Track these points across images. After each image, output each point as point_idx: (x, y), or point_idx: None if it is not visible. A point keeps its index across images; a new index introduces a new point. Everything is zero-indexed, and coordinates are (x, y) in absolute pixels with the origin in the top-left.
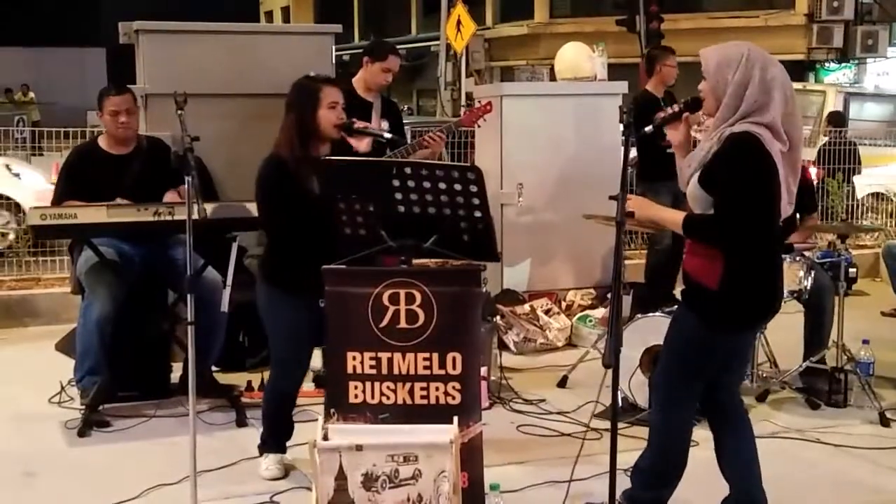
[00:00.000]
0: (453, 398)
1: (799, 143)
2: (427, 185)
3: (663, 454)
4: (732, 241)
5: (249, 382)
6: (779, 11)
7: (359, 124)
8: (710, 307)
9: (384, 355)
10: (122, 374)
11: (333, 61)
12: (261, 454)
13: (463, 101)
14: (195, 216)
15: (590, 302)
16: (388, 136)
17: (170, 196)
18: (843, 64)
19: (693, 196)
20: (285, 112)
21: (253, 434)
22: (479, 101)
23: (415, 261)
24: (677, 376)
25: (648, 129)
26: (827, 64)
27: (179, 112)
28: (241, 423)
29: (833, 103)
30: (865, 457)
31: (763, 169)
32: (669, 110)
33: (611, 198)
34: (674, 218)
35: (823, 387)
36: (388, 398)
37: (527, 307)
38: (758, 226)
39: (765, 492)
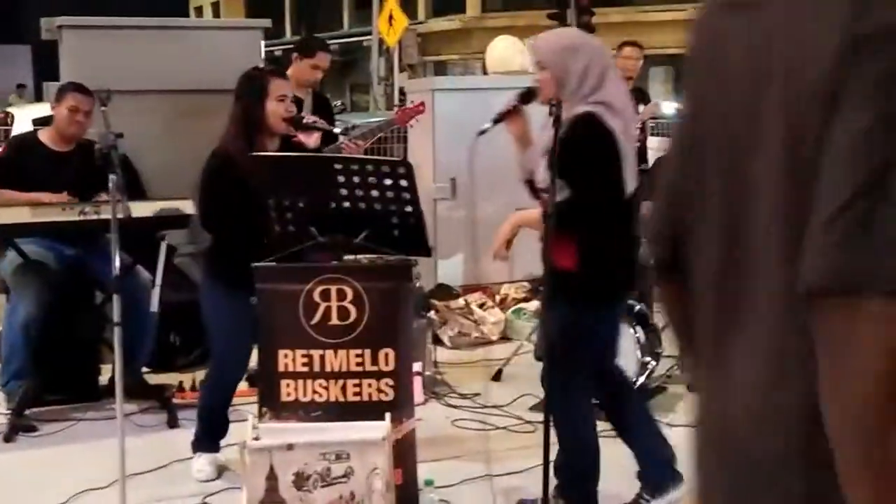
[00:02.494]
0: (386, 395)
1: (631, 120)
2: (357, 180)
3: (574, 450)
4: (592, 220)
5: (181, 383)
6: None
7: (308, 118)
8: (575, 289)
9: (316, 353)
10: (49, 378)
11: (263, 57)
12: (194, 452)
13: (396, 96)
14: (120, 215)
15: (524, 295)
16: (336, 130)
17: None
18: None
19: (543, 183)
20: (233, 104)
21: (185, 435)
22: (412, 100)
23: (346, 256)
24: (568, 369)
25: (486, 126)
26: None
27: (103, 109)
28: (173, 424)
29: None
30: None
31: (608, 146)
32: (506, 106)
33: (541, 191)
34: (532, 215)
35: None
36: (320, 396)
37: (461, 301)
38: (610, 202)
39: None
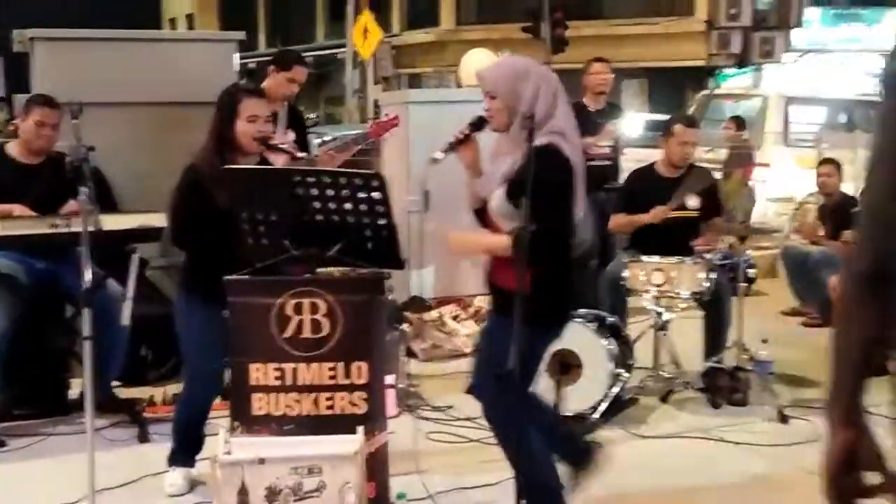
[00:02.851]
0: (359, 408)
1: (578, 146)
2: (330, 192)
3: (533, 467)
4: (552, 248)
5: (152, 397)
6: (679, 18)
7: (274, 140)
8: (530, 312)
9: (288, 366)
10: (18, 392)
11: (237, 69)
12: (170, 466)
13: (370, 109)
14: (91, 228)
15: None
16: (300, 155)
17: (70, 207)
18: (742, 69)
19: (500, 211)
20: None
21: (156, 449)
22: (387, 113)
23: (319, 270)
24: (523, 389)
25: (438, 155)
26: (726, 70)
27: (74, 122)
28: (144, 438)
29: (775, 108)
30: (765, 453)
31: (568, 177)
32: (458, 135)
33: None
34: (499, 241)
35: (724, 386)
36: (292, 409)
37: (434, 314)
38: (569, 230)
39: None
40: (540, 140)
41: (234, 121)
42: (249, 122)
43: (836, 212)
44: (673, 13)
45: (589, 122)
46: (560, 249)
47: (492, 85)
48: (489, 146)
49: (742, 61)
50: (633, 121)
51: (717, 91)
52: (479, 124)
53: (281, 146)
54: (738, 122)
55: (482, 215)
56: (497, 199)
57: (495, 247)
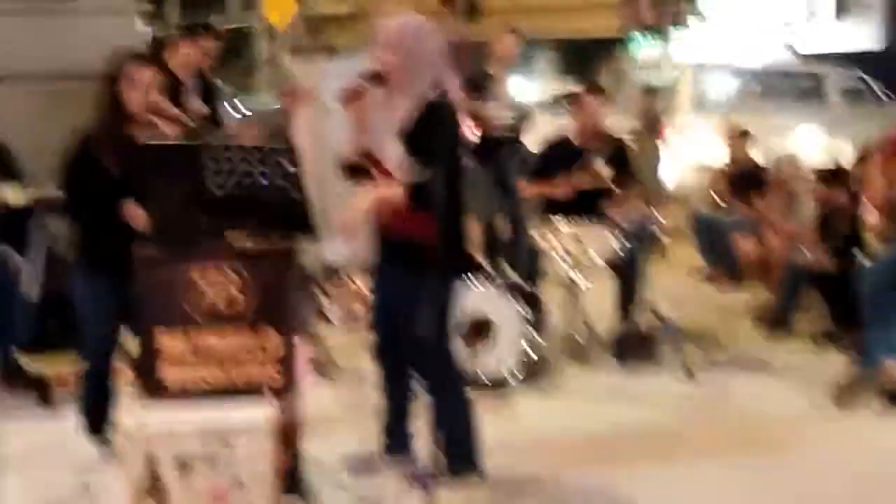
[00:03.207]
0: (272, 377)
1: (462, 111)
2: (242, 165)
3: (462, 410)
4: (449, 198)
5: (60, 369)
6: None
7: (163, 106)
8: (438, 259)
9: (200, 337)
10: None
11: (146, 40)
12: (77, 435)
13: (285, 81)
14: None
15: None
16: (192, 124)
17: None
18: (653, 39)
19: (398, 161)
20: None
21: (64, 419)
22: (300, 86)
23: (230, 240)
24: (446, 335)
25: (336, 104)
26: (637, 39)
27: None
28: (51, 408)
29: (691, 76)
30: (675, 411)
31: (458, 128)
32: (355, 86)
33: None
34: (392, 193)
35: (636, 347)
36: (203, 379)
37: (350, 282)
38: (460, 178)
39: None
40: (431, 93)
41: (119, 88)
42: (136, 89)
43: (744, 178)
44: None
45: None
46: (455, 198)
47: (387, 40)
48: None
49: (653, 31)
50: (547, 90)
51: (633, 60)
52: (375, 79)
53: (174, 115)
54: (649, 91)
55: (355, 171)
56: (394, 150)
57: (389, 196)
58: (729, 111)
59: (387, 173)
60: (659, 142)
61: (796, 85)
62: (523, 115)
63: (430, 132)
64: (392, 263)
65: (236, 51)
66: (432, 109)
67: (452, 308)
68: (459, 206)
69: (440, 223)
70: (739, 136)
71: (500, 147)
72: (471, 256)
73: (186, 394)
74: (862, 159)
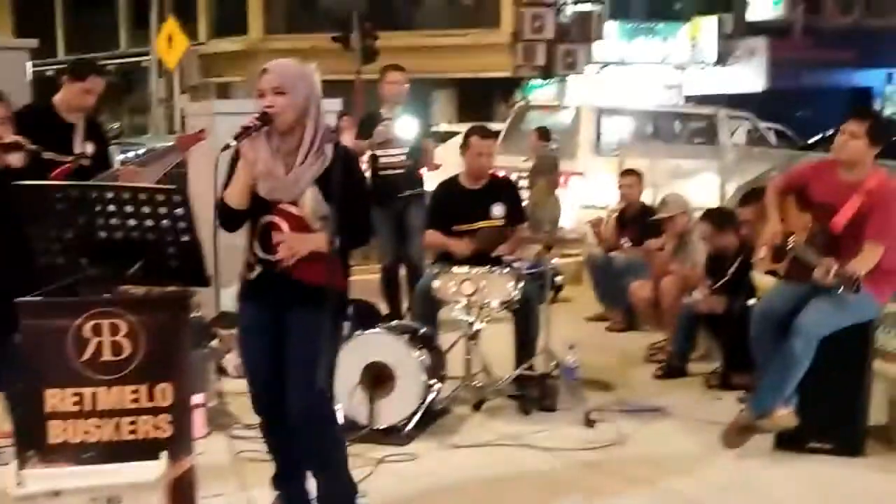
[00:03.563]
0: (164, 431)
1: None
2: (130, 208)
3: (346, 471)
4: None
5: None
6: (486, 30)
7: (7, 139)
8: (340, 306)
9: (87, 391)
10: None
11: (30, 78)
12: None
13: (177, 119)
14: None
15: None
16: (47, 155)
17: None
18: (547, 81)
19: (317, 211)
20: None
21: None
22: (193, 126)
23: (119, 289)
24: (331, 387)
25: (231, 142)
26: (532, 81)
27: None
28: None
29: (588, 119)
30: (573, 458)
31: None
32: (249, 123)
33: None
34: (321, 238)
35: (534, 393)
36: (91, 436)
37: None
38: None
39: None
40: (331, 139)
41: None
42: None
43: (635, 220)
44: (480, 25)
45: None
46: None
47: (285, 80)
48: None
49: (547, 73)
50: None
51: (532, 103)
52: (264, 118)
53: (15, 143)
54: (543, 132)
55: (244, 217)
56: (312, 200)
57: (318, 243)
58: (624, 153)
59: (292, 218)
60: (554, 183)
61: (690, 127)
62: (419, 155)
63: (344, 177)
64: (293, 306)
65: (128, 89)
66: (340, 156)
67: (335, 357)
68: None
69: (344, 270)
70: (630, 178)
71: (390, 188)
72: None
73: (73, 452)
74: (746, 200)
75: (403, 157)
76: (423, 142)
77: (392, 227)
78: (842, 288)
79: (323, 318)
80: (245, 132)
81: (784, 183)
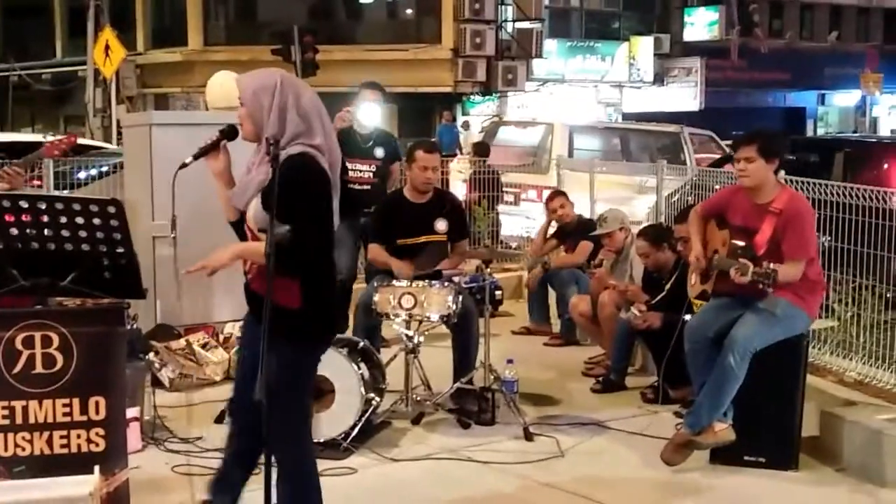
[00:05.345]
0: (97, 445)
1: (337, 164)
2: (63, 219)
3: (302, 489)
4: (311, 258)
5: None
6: (427, 46)
7: None
8: (297, 326)
9: (18, 404)
10: None
11: None
12: None
13: (114, 129)
14: None
15: None
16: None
17: None
18: (487, 97)
19: (257, 221)
20: None
21: None
22: (58, 136)
23: (51, 300)
24: (296, 407)
25: (188, 160)
26: (472, 97)
27: None
28: None
29: (560, 135)
30: (512, 471)
31: (322, 185)
32: (208, 140)
33: (260, 230)
34: (257, 248)
35: (473, 406)
36: (23, 450)
37: (182, 342)
38: (327, 240)
39: None
40: (294, 149)
41: None
42: None
43: (575, 233)
44: (421, 41)
45: (356, 145)
46: (321, 261)
47: (241, 92)
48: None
49: (487, 89)
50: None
51: (505, 118)
52: (230, 133)
53: None
54: (480, 148)
55: (240, 228)
56: (253, 209)
57: (253, 252)
58: (592, 169)
59: (252, 234)
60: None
61: (656, 144)
62: (386, 173)
63: (292, 191)
64: (255, 319)
65: (64, 98)
66: (290, 164)
67: (309, 374)
68: (323, 270)
69: (303, 287)
70: (560, 199)
71: (355, 203)
72: (332, 325)
73: (4, 465)
74: (682, 217)
75: (371, 175)
76: (392, 166)
77: (353, 242)
78: (760, 285)
79: (263, 331)
80: (202, 150)
81: (704, 210)
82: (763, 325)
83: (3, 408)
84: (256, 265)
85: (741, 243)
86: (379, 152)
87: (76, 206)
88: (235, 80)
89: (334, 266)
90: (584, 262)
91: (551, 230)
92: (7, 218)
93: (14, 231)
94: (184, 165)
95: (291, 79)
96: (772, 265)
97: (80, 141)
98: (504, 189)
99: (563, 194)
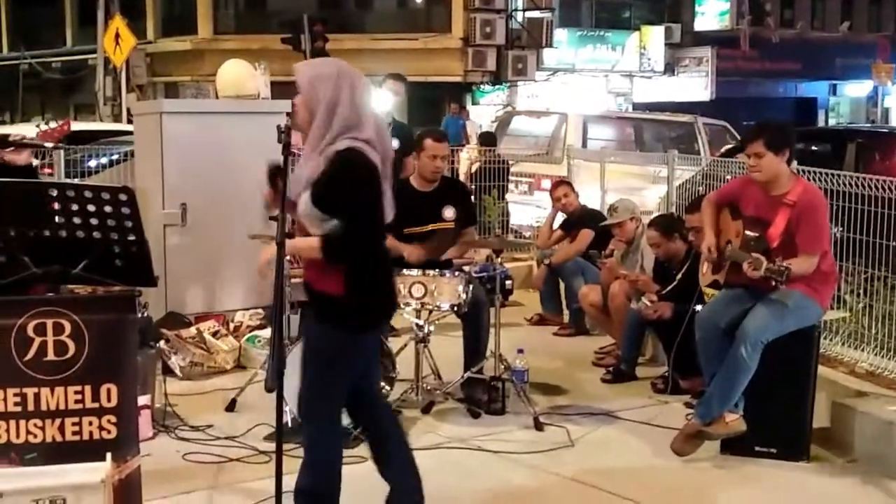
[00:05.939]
0: (108, 432)
1: (389, 155)
2: (75, 207)
3: (318, 472)
4: (360, 250)
5: None
6: (437, 35)
7: (15, 136)
8: (340, 313)
9: (30, 391)
10: None
11: None
12: None
13: (124, 118)
14: None
15: (258, 322)
16: (49, 145)
17: None
18: (497, 86)
19: (307, 215)
20: None
21: None
22: (57, 121)
23: (63, 288)
24: (321, 390)
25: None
26: (482, 86)
27: None
28: None
29: (574, 125)
30: (522, 461)
31: (371, 181)
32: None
33: (271, 218)
34: (309, 244)
35: (483, 396)
36: (35, 437)
37: (193, 330)
38: (375, 232)
39: (422, 491)
40: (342, 144)
41: None
42: None
43: (580, 223)
44: (431, 30)
45: None
46: (367, 253)
47: (298, 80)
48: None
49: (497, 78)
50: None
51: (518, 109)
52: (277, 172)
53: (23, 140)
54: (486, 138)
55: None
56: (303, 204)
57: (306, 247)
58: (603, 159)
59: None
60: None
61: (670, 134)
62: (400, 167)
63: (340, 185)
64: (307, 306)
65: (74, 86)
66: (338, 159)
67: (337, 365)
68: (371, 260)
69: (348, 276)
70: (564, 189)
71: None
72: (378, 311)
73: (16, 452)
74: (693, 207)
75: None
76: (406, 158)
77: None
78: (774, 282)
79: (312, 321)
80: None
81: (717, 198)
82: (775, 317)
83: (16, 395)
84: (310, 261)
85: (754, 234)
86: (395, 143)
87: (88, 194)
88: (294, 68)
89: (384, 257)
90: (595, 252)
91: (559, 220)
92: (19, 205)
93: (27, 218)
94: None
95: (349, 70)
96: (785, 262)
97: (102, 127)
98: (513, 179)
99: (568, 184)
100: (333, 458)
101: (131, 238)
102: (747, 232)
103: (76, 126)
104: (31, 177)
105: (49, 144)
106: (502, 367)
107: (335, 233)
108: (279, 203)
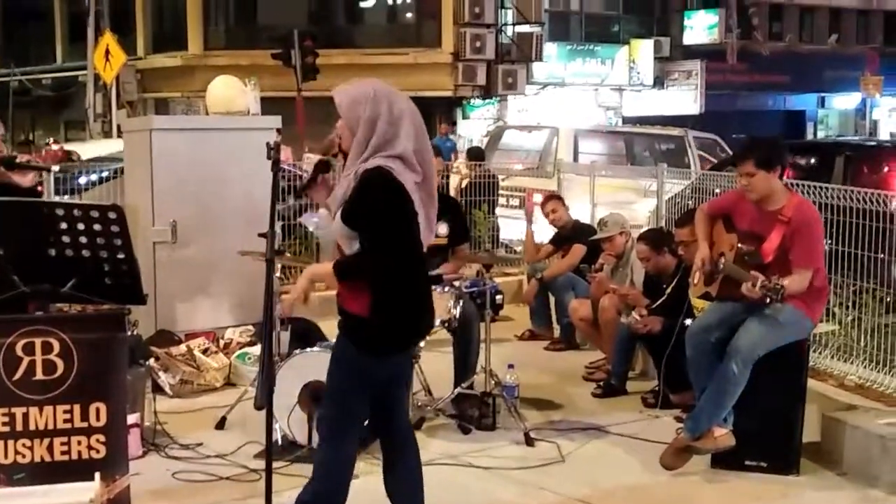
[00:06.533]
0: (97, 451)
1: (432, 173)
2: (64, 225)
3: (327, 488)
4: (379, 272)
5: None
6: (426, 50)
7: (22, 158)
8: (364, 334)
9: (18, 410)
10: None
11: None
12: None
13: (115, 134)
14: None
15: (248, 339)
16: (55, 168)
17: None
18: (487, 100)
19: (340, 234)
20: None
21: None
22: (51, 146)
23: (52, 306)
24: (341, 408)
25: (291, 201)
26: (473, 100)
27: None
28: None
29: (565, 138)
30: (512, 477)
31: (395, 200)
32: (307, 178)
33: (260, 235)
34: (325, 269)
35: (474, 412)
36: (23, 457)
37: (183, 348)
38: (399, 253)
39: None
40: (372, 163)
41: None
42: None
43: (570, 238)
44: (421, 44)
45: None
46: (394, 275)
47: (338, 105)
48: None
49: (487, 93)
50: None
51: (509, 123)
52: (324, 167)
53: (28, 163)
54: (474, 153)
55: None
56: (337, 223)
57: (322, 273)
58: (593, 173)
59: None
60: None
61: (660, 148)
62: None
63: (359, 205)
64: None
65: (64, 103)
66: (363, 179)
67: (367, 381)
68: (397, 282)
69: (373, 297)
70: (553, 204)
71: None
72: (403, 334)
73: (4, 472)
74: (683, 221)
75: None
76: None
77: None
78: (768, 299)
79: (338, 341)
80: (302, 187)
81: (711, 210)
82: (767, 333)
83: (4, 414)
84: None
85: (748, 248)
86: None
87: (77, 213)
88: (333, 93)
89: (415, 278)
90: (585, 266)
91: (549, 234)
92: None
93: (16, 237)
94: (287, 206)
95: (385, 88)
96: (781, 281)
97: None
98: (504, 193)
99: (557, 198)
100: (345, 477)
101: (121, 256)
102: (741, 245)
103: None
104: (34, 197)
105: (56, 168)
106: (493, 382)
107: (357, 252)
108: (321, 191)
